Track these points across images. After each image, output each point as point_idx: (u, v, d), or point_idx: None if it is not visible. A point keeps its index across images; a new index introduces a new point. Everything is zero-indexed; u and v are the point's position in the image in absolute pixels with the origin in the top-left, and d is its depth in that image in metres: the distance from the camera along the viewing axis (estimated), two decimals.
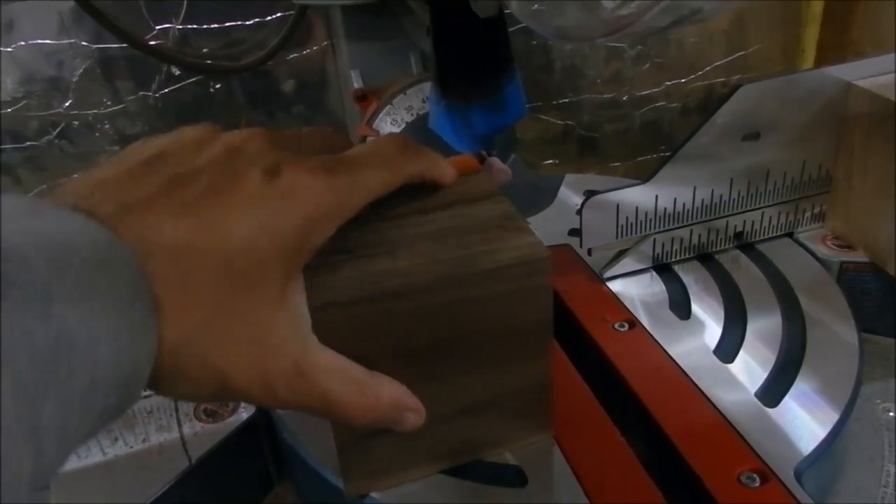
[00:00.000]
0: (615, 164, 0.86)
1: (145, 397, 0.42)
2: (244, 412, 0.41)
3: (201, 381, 0.24)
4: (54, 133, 0.65)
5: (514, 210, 0.33)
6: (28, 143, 0.65)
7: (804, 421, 0.37)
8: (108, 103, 0.65)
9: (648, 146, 0.87)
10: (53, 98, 0.64)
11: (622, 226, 0.46)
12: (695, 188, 0.47)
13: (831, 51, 0.84)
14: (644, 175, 0.46)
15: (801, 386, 0.39)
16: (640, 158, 0.87)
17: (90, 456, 0.39)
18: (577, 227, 0.47)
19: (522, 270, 0.31)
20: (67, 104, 0.64)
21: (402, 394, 0.29)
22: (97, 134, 0.66)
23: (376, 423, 0.29)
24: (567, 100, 0.80)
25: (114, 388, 0.20)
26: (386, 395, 0.28)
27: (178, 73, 0.66)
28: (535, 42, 0.76)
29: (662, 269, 0.49)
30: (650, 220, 0.47)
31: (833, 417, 0.37)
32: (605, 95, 0.82)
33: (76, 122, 0.65)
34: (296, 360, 0.26)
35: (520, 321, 0.32)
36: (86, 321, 0.18)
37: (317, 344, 0.27)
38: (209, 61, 0.65)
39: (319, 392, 0.26)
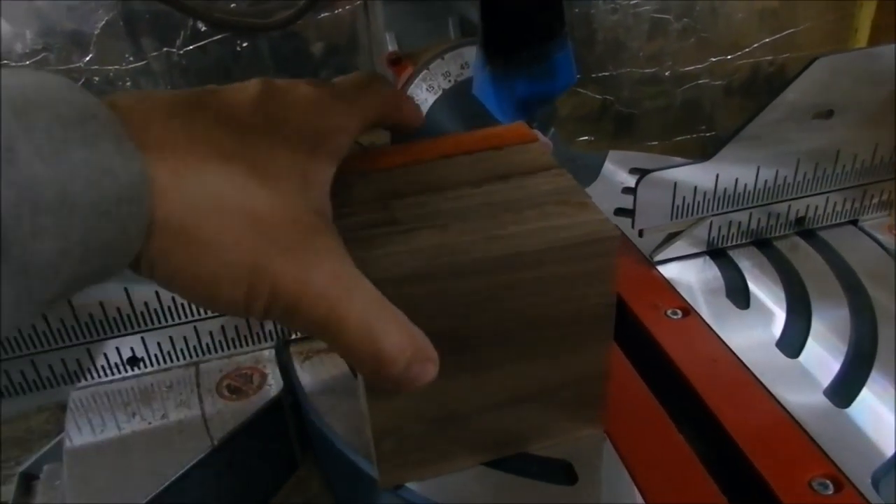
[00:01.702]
0: (652, 143, 0.83)
1: (163, 370, 0.39)
2: (271, 389, 0.38)
3: (211, 251, 0.21)
4: None
5: (575, 184, 0.30)
6: None
7: (881, 421, 0.34)
8: (131, 59, 0.62)
9: (688, 126, 0.83)
10: (73, 52, 0.61)
11: (678, 206, 0.43)
12: (758, 168, 0.43)
13: (886, 31, 0.79)
14: (682, 155, 0.43)
15: (876, 383, 0.36)
16: (678, 138, 0.83)
17: (105, 430, 0.36)
18: (624, 206, 0.44)
19: (587, 250, 0.28)
20: (88, 59, 0.61)
21: (427, 341, 0.25)
22: (118, 91, 0.64)
23: (406, 371, 0.24)
24: (607, 73, 0.77)
25: (94, 251, 0.18)
26: (419, 337, 0.25)
27: (203, 29, 0.62)
28: (577, 10, 0.73)
29: (716, 254, 0.46)
30: (708, 201, 0.44)
31: None
32: (647, 70, 0.78)
33: (96, 78, 0.62)
34: (334, 261, 0.23)
35: (579, 306, 0.29)
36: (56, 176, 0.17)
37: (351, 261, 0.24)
38: (236, 18, 0.62)
39: (359, 307, 0.22)
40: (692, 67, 0.79)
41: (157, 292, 0.37)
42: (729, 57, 0.80)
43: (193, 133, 0.22)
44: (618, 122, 0.81)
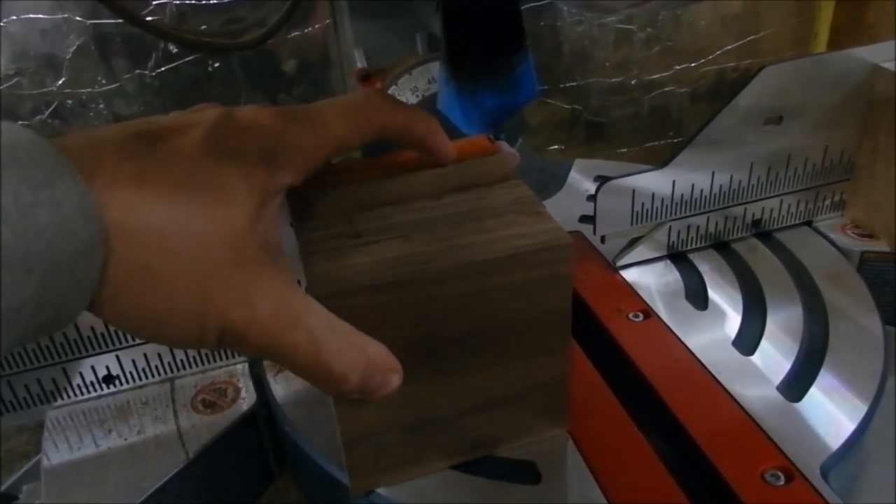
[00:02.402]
0: (622, 150, 0.84)
1: (139, 387, 0.40)
2: (244, 402, 0.39)
3: (158, 292, 0.21)
4: (47, 112, 0.63)
5: (531, 194, 0.32)
6: (20, 122, 0.63)
7: (830, 415, 0.35)
8: (103, 82, 0.63)
9: (657, 132, 0.85)
10: (46, 76, 0.61)
11: (637, 212, 0.45)
12: (713, 173, 0.45)
13: (846, 35, 0.82)
14: (652, 161, 0.44)
15: (826, 379, 0.37)
16: (647, 144, 0.85)
17: (82, 448, 0.37)
18: (589, 213, 0.45)
19: (544, 257, 0.29)
20: (60, 82, 0.62)
21: (386, 352, 0.26)
22: (91, 114, 0.64)
23: (362, 385, 0.25)
24: (575, 83, 0.78)
25: (49, 304, 0.19)
26: (372, 351, 0.25)
27: (175, 51, 0.63)
28: (543, 24, 0.74)
29: (677, 257, 0.48)
30: (666, 206, 0.45)
31: (861, 410, 0.35)
32: (614, 79, 0.80)
33: (70, 101, 0.63)
34: (279, 289, 0.23)
35: (539, 311, 0.30)
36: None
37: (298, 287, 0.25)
38: (208, 39, 0.63)
39: (306, 332, 0.23)
40: (658, 75, 0.81)
41: None
42: (693, 64, 0.82)
43: (144, 171, 0.22)
44: (588, 130, 0.82)
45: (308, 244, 0.29)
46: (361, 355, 0.25)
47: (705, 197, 0.46)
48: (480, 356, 0.30)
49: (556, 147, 0.82)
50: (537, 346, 0.31)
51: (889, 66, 0.44)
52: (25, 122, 0.63)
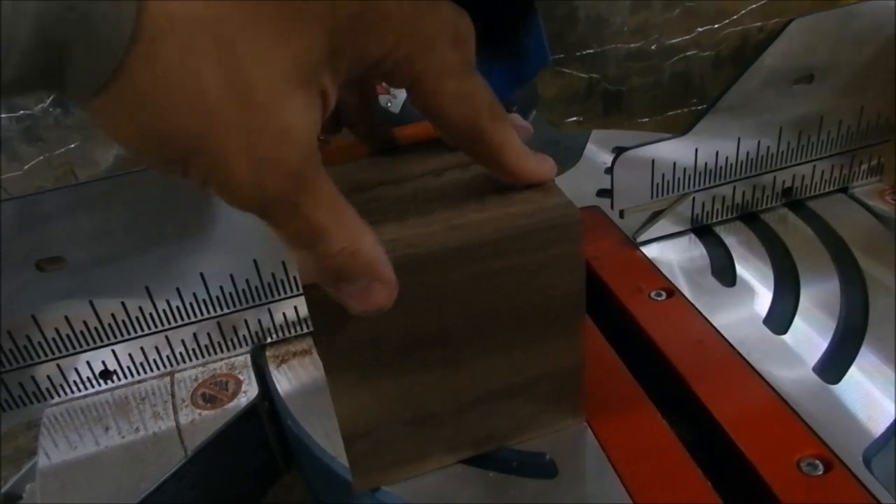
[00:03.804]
0: (643, 119, 0.81)
1: (138, 381, 0.39)
2: (246, 396, 0.37)
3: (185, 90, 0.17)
4: (48, 101, 0.62)
5: None
6: (22, 112, 0.62)
7: (871, 398, 0.33)
8: None
9: (679, 100, 0.81)
10: None
11: (658, 184, 0.42)
12: (739, 140, 0.42)
13: None
14: (674, 131, 0.41)
15: (867, 358, 0.34)
16: (670, 113, 0.82)
17: (79, 447, 0.36)
18: (607, 187, 0.43)
19: (550, 236, 0.27)
20: None
21: (382, 257, 0.24)
22: None
23: (344, 274, 0.23)
24: (591, 51, 0.75)
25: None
26: (368, 245, 0.23)
27: None
28: None
29: (702, 231, 0.45)
30: (689, 177, 0.42)
31: None
32: (632, 45, 0.76)
33: None
34: (302, 145, 0.20)
35: (547, 296, 0.28)
36: None
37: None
38: None
39: (311, 197, 0.21)
40: (679, 39, 0.77)
41: (122, 303, 0.36)
42: (716, 26, 0.78)
43: None
44: (606, 100, 0.79)
45: None
46: (355, 242, 0.22)
47: (731, 165, 0.43)
48: (483, 345, 0.28)
49: (573, 119, 0.79)
50: (547, 332, 0.29)
51: None
52: (27, 111, 0.62)
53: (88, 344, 0.37)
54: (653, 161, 0.41)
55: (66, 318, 0.36)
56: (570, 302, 0.29)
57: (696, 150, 0.41)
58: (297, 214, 0.21)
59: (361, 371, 0.28)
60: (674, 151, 0.41)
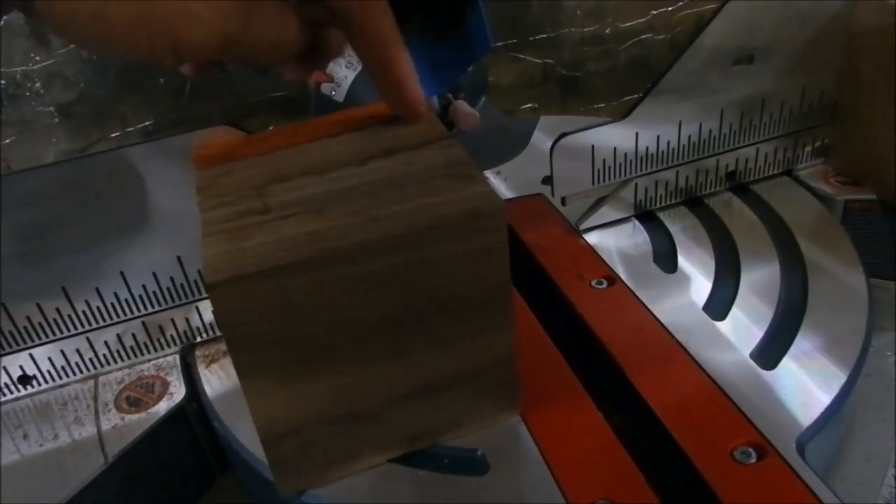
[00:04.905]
0: (599, 105, 0.80)
1: (60, 386, 0.37)
2: (172, 398, 0.36)
3: None
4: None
5: (464, 155, 0.28)
6: None
7: (806, 384, 0.32)
8: (37, 59, 0.59)
9: (635, 85, 0.80)
10: None
11: (599, 170, 0.41)
12: (680, 123, 0.41)
13: None
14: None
15: (803, 344, 0.34)
16: (626, 98, 0.81)
17: None
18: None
19: (473, 226, 0.26)
20: None
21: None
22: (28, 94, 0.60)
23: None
24: (545, 35, 0.74)
25: None
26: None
27: None
28: None
29: (646, 217, 0.44)
30: (630, 162, 0.42)
31: (840, 379, 0.32)
32: (587, 29, 0.75)
33: (2, 82, 0.59)
34: None
35: (473, 287, 0.27)
36: None
37: None
38: None
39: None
40: (634, 23, 0.77)
41: (38, 305, 0.34)
42: (671, 8, 0.77)
43: None
44: (562, 86, 0.78)
45: (208, 224, 0.26)
46: None
47: (673, 149, 0.42)
48: (411, 339, 0.27)
49: (528, 106, 0.78)
50: (475, 325, 0.28)
51: None
52: None
53: (3, 348, 0.35)
54: (592, 147, 0.40)
55: None
56: (497, 293, 0.28)
57: (637, 134, 0.41)
58: None
59: (279, 371, 0.26)
60: (614, 136, 0.40)
